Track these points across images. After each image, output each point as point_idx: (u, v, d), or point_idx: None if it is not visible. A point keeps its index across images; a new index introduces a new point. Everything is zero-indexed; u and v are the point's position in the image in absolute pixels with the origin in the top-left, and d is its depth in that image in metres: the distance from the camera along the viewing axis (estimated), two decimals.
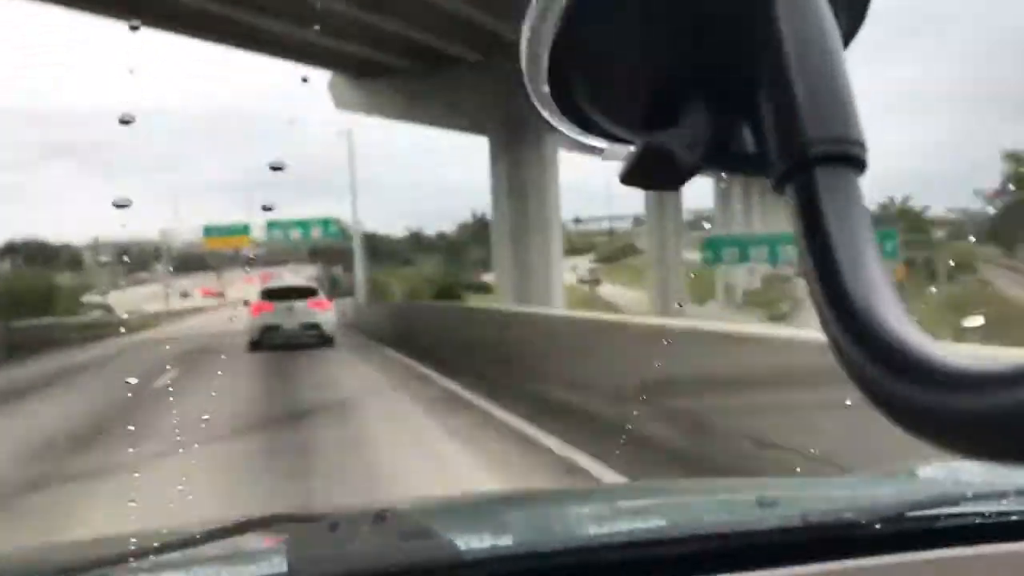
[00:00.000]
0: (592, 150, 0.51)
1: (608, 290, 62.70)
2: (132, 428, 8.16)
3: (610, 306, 45.02)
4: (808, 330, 5.93)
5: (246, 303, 21.68)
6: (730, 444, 5.89)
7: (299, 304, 20.17)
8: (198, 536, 1.24)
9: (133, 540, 1.28)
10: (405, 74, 24.04)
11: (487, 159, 24.01)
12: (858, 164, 0.40)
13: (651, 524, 1.34)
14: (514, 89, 0.66)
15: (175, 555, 1.23)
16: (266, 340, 19.20)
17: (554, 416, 8.29)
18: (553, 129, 0.50)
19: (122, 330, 33.71)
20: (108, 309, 50.29)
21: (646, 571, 1.12)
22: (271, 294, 20.76)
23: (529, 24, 0.46)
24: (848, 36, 0.44)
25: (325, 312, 20.67)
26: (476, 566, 1.10)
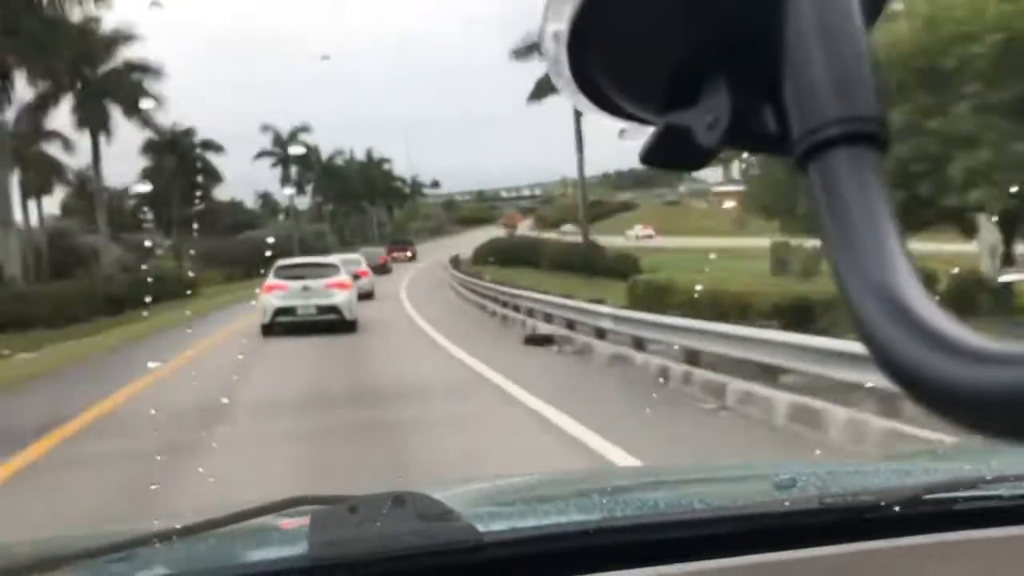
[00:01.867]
0: None
1: None
2: None
3: None
4: None
5: None
6: None
7: (315, 284, 17.94)
8: (219, 518, 1.25)
9: (156, 522, 1.30)
10: None
11: None
12: (881, 143, 0.39)
13: (669, 506, 1.35)
14: None
15: (197, 537, 1.24)
16: (279, 323, 17.41)
17: None
18: None
19: None
20: None
21: (664, 553, 1.12)
22: (285, 272, 18.60)
23: (549, 4, 0.46)
24: (872, 14, 0.44)
25: (345, 292, 18.28)
26: (495, 548, 1.11)
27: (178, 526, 1.23)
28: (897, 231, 0.38)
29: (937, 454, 1.78)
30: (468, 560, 1.09)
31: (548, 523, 1.24)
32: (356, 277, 21.39)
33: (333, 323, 17.47)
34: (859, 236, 0.37)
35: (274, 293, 17.79)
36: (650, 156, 0.47)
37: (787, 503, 1.23)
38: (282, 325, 17.33)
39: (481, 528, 1.10)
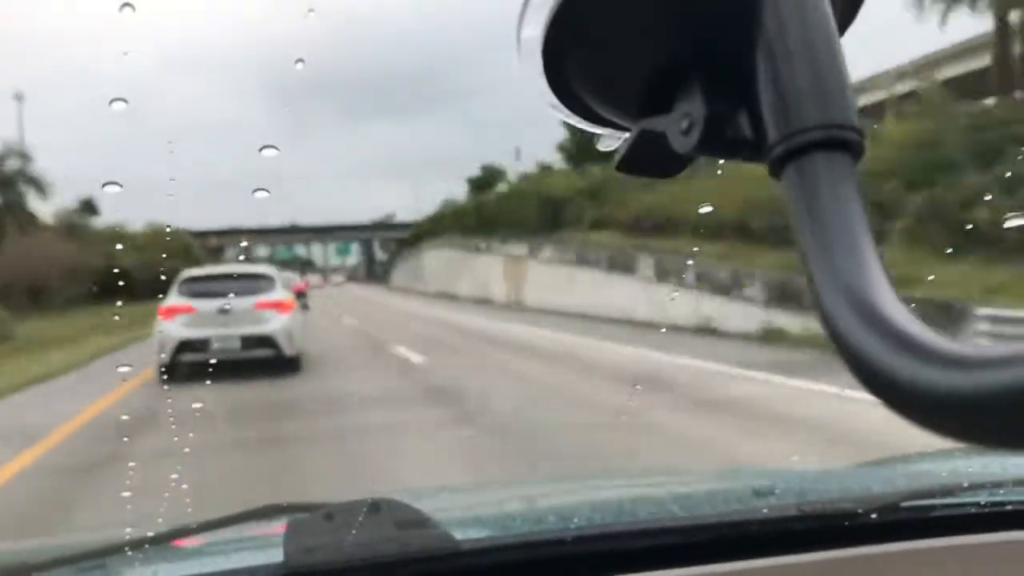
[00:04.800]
0: None
1: None
2: None
3: None
4: None
5: None
6: None
7: (240, 304, 12.52)
8: (195, 526, 1.24)
9: (129, 531, 1.28)
10: None
11: None
12: (855, 150, 0.39)
13: (646, 513, 1.35)
14: None
15: (171, 545, 1.23)
16: (184, 361, 11.96)
17: None
18: None
19: None
20: None
21: (642, 560, 1.12)
22: (194, 287, 12.62)
23: (524, 10, 0.46)
24: (845, 21, 0.44)
25: (283, 316, 12.71)
26: (472, 555, 1.10)
27: (153, 534, 1.22)
28: (871, 238, 0.38)
29: (914, 460, 1.79)
30: (444, 568, 1.08)
31: (525, 530, 1.23)
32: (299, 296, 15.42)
33: (265, 361, 12.24)
34: (833, 241, 0.37)
35: (177, 319, 12.14)
36: (624, 163, 0.47)
37: (765, 510, 1.23)
38: (188, 365, 11.99)
39: (458, 535, 1.10)
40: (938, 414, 0.33)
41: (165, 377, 11.68)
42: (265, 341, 12.40)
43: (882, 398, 0.34)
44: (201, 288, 12.59)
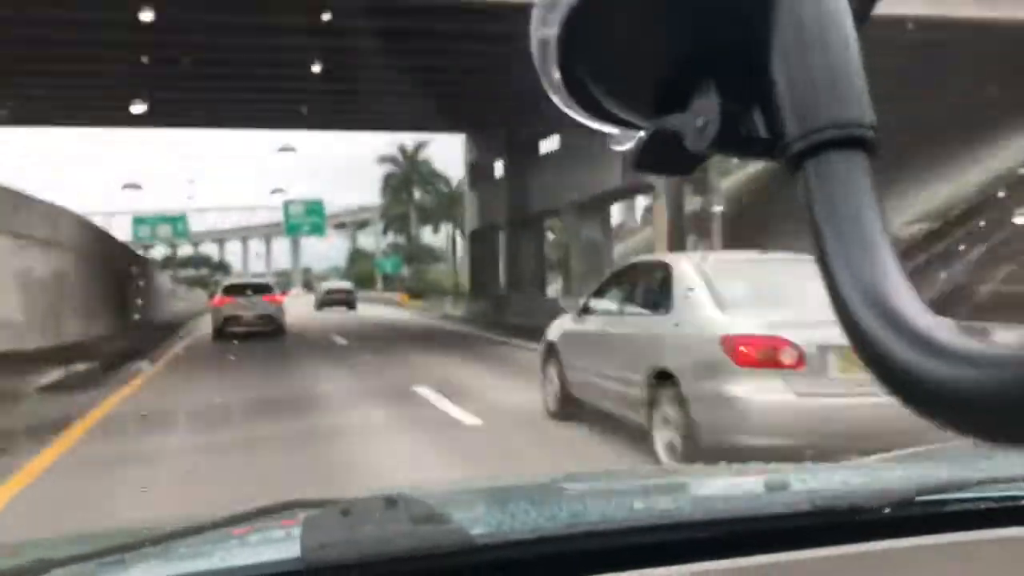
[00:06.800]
0: None
1: None
2: None
3: None
4: None
5: None
6: None
7: (255, 298, 23.95)
8: (211, 523, 1.25)
9: (147, 528, 1.29)
10: None
11: None
12: (870, 148, 0.40)
13: (659, 509, 1.35)
14: None
15: (188, 541, 1.24)
16: (228, 328, 22.91)
17: None
18: None
19: None
20: None
21: (654, 556, 1.12)
22: (231, 289, 24.55)
23: (539, 8, 0.46)
24: (860, 17, 0.44)
25: (277, 305, 24.47)
26: (487, 551, 1.10)
27: (169, 530, 1.23)
28: (887, 234, 0.38)
29: (927, 456, 1.78)
30: (460, 563, 1.09)
31: (539, 526, 1.24)
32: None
33: (270, 329, 23.20)
34: (850, 239, 0.38)
35: (225, 305, 23.74)
36: (640, 162, 0.47)
37: (778, 506, 1.23)
38: (230, 331, 22.78)
39: (472, 531, 1.10)
40: (954, 411, 0.33)
41: (216, 336, 22.71)
42: (271, 319, 23.59)
43: (898, 394, 0.35)
44: (235, 290, 24.38)
